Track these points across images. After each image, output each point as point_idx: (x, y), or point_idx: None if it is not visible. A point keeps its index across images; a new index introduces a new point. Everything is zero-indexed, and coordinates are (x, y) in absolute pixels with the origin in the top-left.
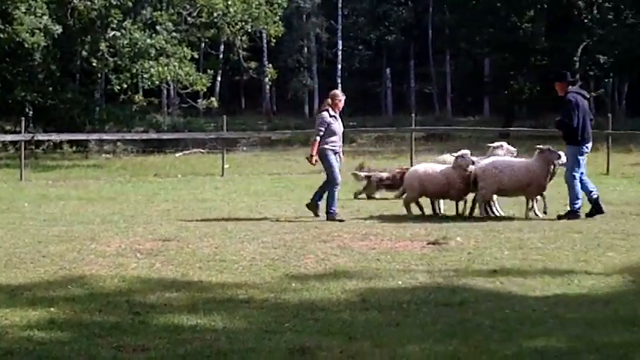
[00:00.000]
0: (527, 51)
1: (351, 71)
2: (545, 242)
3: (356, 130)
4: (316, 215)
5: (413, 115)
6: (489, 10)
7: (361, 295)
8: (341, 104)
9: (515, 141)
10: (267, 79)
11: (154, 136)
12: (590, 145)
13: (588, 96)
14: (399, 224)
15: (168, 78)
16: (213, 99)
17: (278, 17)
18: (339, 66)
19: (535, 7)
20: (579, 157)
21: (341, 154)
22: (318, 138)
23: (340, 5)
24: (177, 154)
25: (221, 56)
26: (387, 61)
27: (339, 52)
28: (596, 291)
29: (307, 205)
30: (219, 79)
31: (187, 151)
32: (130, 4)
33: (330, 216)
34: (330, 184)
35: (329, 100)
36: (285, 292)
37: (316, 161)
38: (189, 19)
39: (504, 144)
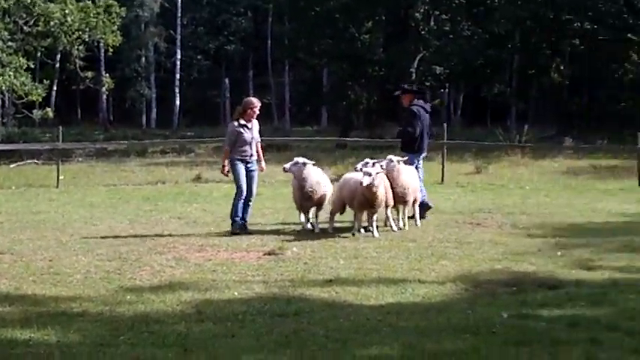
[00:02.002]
0: (365, 62)
1: (190, 81)
2: (380, 251)
3: (193, 140)
4: (248, 234)
5: None
6: (328, 21)
7: (197, 306)
8: (254, 113)
9: (352, 151)
10: (104, 89)
11: None
12: (424, 155)
13: (429, 110)
14: (236, 235)
15: (3, 88)
16: (48, 109)
17: (116, 26)
18: (178, 75)
19: (373, 18)
20: (414, 165)
21: (260, 164)
22: (227, 148)
23: (179, 15)
24: (11, 166)
25: (57, 66)
26: (225, 71)
27: (178, 62)
28: (430, 299)
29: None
30: (55, 88)
31: (22, 162)
32: None
33: (233, 227)
34: (236, 194)
35: (240, 109)
36: (120, 305)
37: (228, 171)
38: (25, 28)
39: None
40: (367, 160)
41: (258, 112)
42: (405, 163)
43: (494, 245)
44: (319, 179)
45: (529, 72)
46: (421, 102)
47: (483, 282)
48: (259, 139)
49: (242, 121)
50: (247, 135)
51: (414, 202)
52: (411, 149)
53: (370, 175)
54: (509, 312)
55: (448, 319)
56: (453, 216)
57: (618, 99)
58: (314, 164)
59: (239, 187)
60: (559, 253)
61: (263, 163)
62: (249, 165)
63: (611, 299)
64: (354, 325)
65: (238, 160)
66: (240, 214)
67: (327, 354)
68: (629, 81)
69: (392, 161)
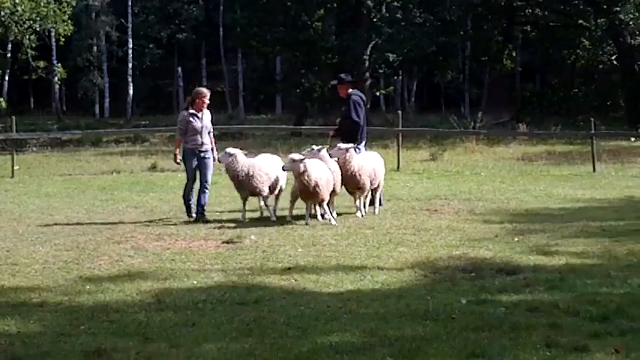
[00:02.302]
0: (318, 49)
1: (142, 70)
2: (338, 239)
3: (148, 129)
4: (206, 222)
5: None
6: (280, 9)
7: (156, 295)
8: (203, 102)
9: (307, 139)
10: (56, 79)
11: None
12: (364, 142)
13: (365, 99)
14: (194, 224)
15: None
16: (1, 99)
17: (67, 16)
18: (130, 65)
19: (325, 6)
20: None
21: (212, 153)
22: (179, 137)
23: (130, 3)
24: None
25: (9, 55)
26: (178, 60)
27: (130, 51)
28: (389, 286)
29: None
30: (7, 78)
31: None
32: None
33: (187, 213)
34: (186, 183)
35: (190, 98)
36: (80, 295)
37: (180, 160)
38: None
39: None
40: (313, 147)
41: (208, 102)
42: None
43: (451, 232)
44: (250, 169)
45: (481, 59)
46: (357, 91)
47: (442, 268)
48: (211, 129)
49: (192, 111)
50: (197, 124)
51: (376, 189)
52: (353, 139)
53: (294, 160)
54: (468, 298)
55: (407, 305)
56: (410, 203)
57: (571, 85)
58: (245, 153)
59: (188, 177)
60: (516, 239)
61: (215, 153)
62: (201, 153)
63: (569, 284)
64: (315, 313)
65: (189, 149)
66: (190, 200)
67: (288, 342)
68: (580, 67)
69: (314, 150)
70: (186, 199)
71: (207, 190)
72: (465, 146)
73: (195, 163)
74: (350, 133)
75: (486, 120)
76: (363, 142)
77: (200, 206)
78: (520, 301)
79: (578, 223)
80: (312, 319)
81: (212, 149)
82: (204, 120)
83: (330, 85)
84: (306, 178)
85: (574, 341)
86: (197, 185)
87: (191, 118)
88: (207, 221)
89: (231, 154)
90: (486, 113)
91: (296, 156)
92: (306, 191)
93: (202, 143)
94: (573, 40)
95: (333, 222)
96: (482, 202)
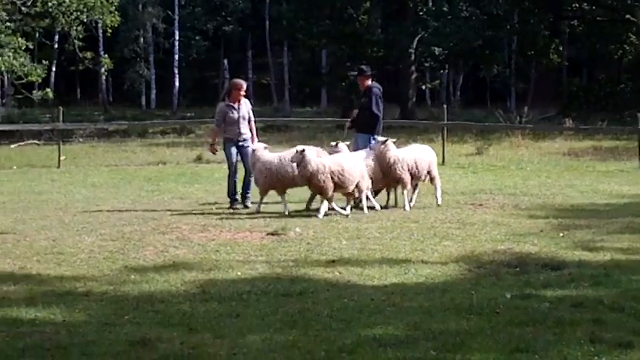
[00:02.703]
0: (364, 42)
1: (189, 62)
2: (382, 232)
3: (194, 121)
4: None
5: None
6: (326, 2)
7: (201, 286)
8: (239, 94)
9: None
10: (103, 70)
11: None
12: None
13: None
14: (238, 216)
15: (2, 68)
16: (48, 90)
17: (114, 7)
18: (176, 56)
19: None
20: (369, 145)
21: (250, 143)
22: (215, 127)
23: None
24: (12, 146)
25: (56, 46)
26: (224, 52)
27: (176, 43)
28: (433, 279)
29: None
30: (54, 69)
31: (22, 143)
32: None
33: (231, 204)
34: (229, 173)
35: (226, 90)
36: (125, 285)
37: (215, 150)
38: (23, 8)
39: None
40: (332, 143)
41: (244, 93)
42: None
43: (496, 226)
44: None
45: (528, 53)
46: (376, 84)
47: (486, 263)
48: (252, 118)
49: (228, 102)
50: (234, 115)
51: (432, 180)
52: (371, 130)
53: (297, 152)
54: (512, 292)
55: (452, 299)
56: (455, 197)
57: (618, 80)
58: (265, 147)
59: (229, 166)
60: (561, 234)
61: (255, 141)
62: (240, 143)
63: (614, 280)
64: (358, 306)
65: (228, 138)
66: (235, 192)
67: (332, 334)
68: (627, 62)
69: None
70: (231, 193)
71: (251, 179)
72: (510, 141)
73: (234, 151)
74: (367, 125)
75: (532, 115)
76: (378, 135)
77: (245, 191)
78: (565, 296)
79: (624, 219)
80: (356, 312)
81: (252, 137)
82: (242, 111)
83: (350, 75)
84: (302, 169)
85: (618, 337)
86: (240, 175)
87: (228, 110)
88: (247, 206)
89: (253, 150)
90: (532, 108)
91: (300, 147)
92: (306, 181)
93: (240, 133)
94: (620, 35)
95: (346, 212)
96: (527, 196)
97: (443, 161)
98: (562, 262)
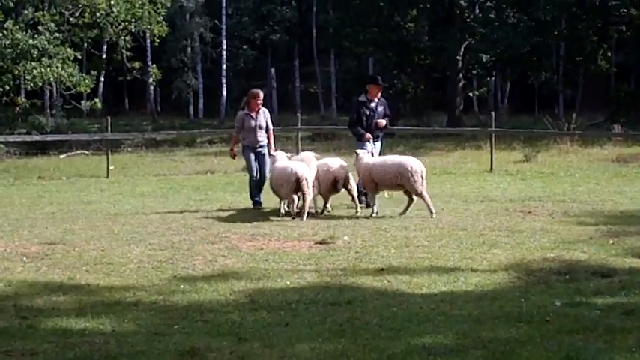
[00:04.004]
0: (411, 50)
1: (236, 71)
2: (431, 240)
3: None
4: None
5: (298, 114)
6: (373, 10)
7: (250, 295)
8: (256, 103)
9: (399, 140)
10: (151, 80)
11: (37, 138)
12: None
13: None
14: (287, 224)
15: (51, 79)
16: (96, 100)
17: (161, 17)
18: (224, 66)
19: (418, 6)
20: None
21: (268, 150)
22: (235, 134)
23: (224, 5)
24: (61, 156)
25: (104, 57)
26: (271, 61)
27: (224, 52)
28: (482, 287)
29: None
30: (102, 79)
31: (71, 153)
32: (12, 4)
33: (254, 205)
34: (249, 178)
35: (245, 99)
36: (174, 294)
37: (235, 156)
38: (71, 19)
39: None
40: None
41: (261, 102)
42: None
43: (545, 233)
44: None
45: (576, 59)
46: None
47: (536, 270)
48: (271, 127)
49: (247, 111)
50: (252, 123)
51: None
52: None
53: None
54: (562, 300)
55: (501, 307)
56: (504, 204)
57: None
58: (290, 156)
59: (249, 171)
60: (611, 242)
61: (272, 150)
62: (257, 150)
63: None
64: (408, 314)
65: (246, 146)
66: (256, 194)
67: (381, 342)
68: None
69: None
70: (253, 196)
71: (262, 186)
72: (558, 147)
73: (253, 157)
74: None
75: (581, 121)
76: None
77: (253, 197)
78: (615, 303)
79: None
80: (405, 320)
81: (268, 144)
82: (259, 119)
83: (382, 85)
84: None
85: None
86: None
87: (246, 118)
88: (259, 209)
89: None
90: (581, 114)
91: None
92: None
93: (257, 140)
94: None
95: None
96: (576, 203)
97: (491, 168)
98: (612, 269)
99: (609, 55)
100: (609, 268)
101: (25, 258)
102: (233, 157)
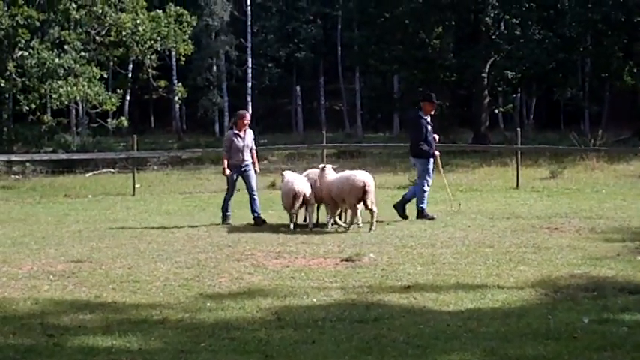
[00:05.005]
0: (436, 67)
1: (261, 89)
2: (457, 257)
3: (267, 147)
4: (263, 222)
5: (324, 132)
6: (398, 27)
7: (276, 313)
8: (243, 123)
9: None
10: (176, 98)
11: (63, 156)
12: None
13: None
14: (313, 242)
15: (78, 98)
16: (122, 118)
17: (187, 36)
18: (249, 84)
19: (443, 23)
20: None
21: (253, 168)
22: (225, 154)
23: (249, 23)
24: (87, 175)
25: (130, 75)
26: (296, 79)
27: (249, 70)
28: (509, 304)
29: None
30: (128, 98)
31: (97, 171)
32: (38, 23)
33: (223, 221)
34: (226, 194)
35: (233, 120)
36: (200, 312)
37: (228, 174)
38: (97, 38)
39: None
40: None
41: (248, 122)
42: None
43: (572, 250)
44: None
45: (602, 75)
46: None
47: (563, 287)
48: (254, 147)
49: (235, 131)
50: (239, 143)
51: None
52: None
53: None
54: (590, 317)
55: (529, 324)
56: (530, 221)
57: None
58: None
59: (228, 188)
60: (638, 258)
61: (257, 167)
62: (243, 168)
63: None
64: (435, 331)
65: (233, 164)
66: (228, 211)
67: None
68: None
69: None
70: (224, 210)
71: (255, 198)
72: (585, 164)
73: (236, 176)
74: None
75: (607, 137)
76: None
77: (254, 212)
78: None
79: None
80: (432, 338)
81: (253, 163)
82: (246, 139)
83: (436, 103)
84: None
85: None
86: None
87: (234, 138)
88: (264, 222)
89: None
90: (607, 130)
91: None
92: None
93: (244, 159)
94: None
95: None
96: (603, 220)
97: (517, 185)
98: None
99: (635, 70)
100: (637, 284)
101: (51, 276)
102: (226, 175)
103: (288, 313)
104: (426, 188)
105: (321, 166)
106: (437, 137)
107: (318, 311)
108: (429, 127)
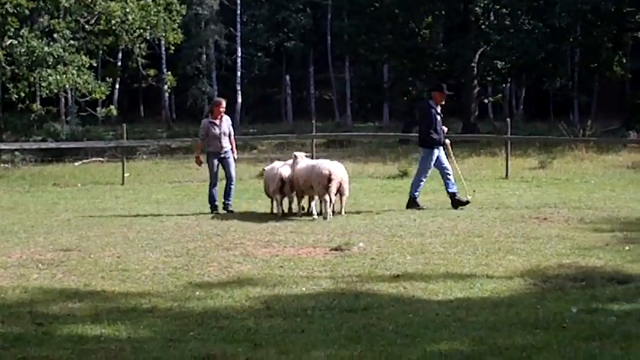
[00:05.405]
0: (426, 57)
1: (251, 78)
2: (446, 247)
3: (256, 136)
4: (230, 212)
5: (313, 121)
6: (388, 17)
7: (265, 302)
8: (219, 111)
9: (415, 147)
10: (166, 87)
11: (52, 145)
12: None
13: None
14: (302, 231)
15: (67, 86)
16: (112, 107)
17: (177, 24)
18: (239, 73)
19: (433, 13)
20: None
21: (231, 155)
22: (200, 142)
23: (239, 12)
24: (76, 163)
25: (119, 64)
26: (286, 68)
27: (239, 59)
28: (498, 294)
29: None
30: (117, 87)
31: (87, 160)
32: (27, 12)
33: (212, 210)
34: (210, 183)
35: (209, 107)
36: (189, 301)
37: (201, 162)
38: (87, 26)
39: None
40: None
41: (224, 110)
42: None
43: (561, 240)
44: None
45: (591, 66)
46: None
47: (552, 277)
48: (232, 133)
49: (211, 119)
50: (216, 131)
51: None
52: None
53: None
54: (578, 307)
55: (517, 314)
56: (519, 211)
57: None
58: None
59: (210, 177)
60: (627, 248)
61: (235, 154)
62: (221, 155)
63: None
64: (424, 321)
65: (210, 152)
66: (215, 200)
67: (397, 349)
68: None
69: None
70: (211, 201)
71: (232, 186)
72: (574, 154)
73: (216, 164)
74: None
75: (596, 127)
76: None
77: (226, 199)
78: (632, 310)
79: None
80: (421, 327)
81: (232, 150)
82: (223, 126)
83: (447, 94)
84: None
85: None
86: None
87: (210, 126)
88: (231, 212)
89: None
90: (596, 121)
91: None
92: None
93: (222, 147)
94: None
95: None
96: (592, 210)
97: (506, 175)
98: (628, 275)
99: (624, 61)
100: (625, 274)
101: (40, 265)
102: (199, 163)
103: (277, 302)
104: (424, 178)
105: (294, 153)
106: (445, 129)
107: (307, 300)
108: (439, 118)
